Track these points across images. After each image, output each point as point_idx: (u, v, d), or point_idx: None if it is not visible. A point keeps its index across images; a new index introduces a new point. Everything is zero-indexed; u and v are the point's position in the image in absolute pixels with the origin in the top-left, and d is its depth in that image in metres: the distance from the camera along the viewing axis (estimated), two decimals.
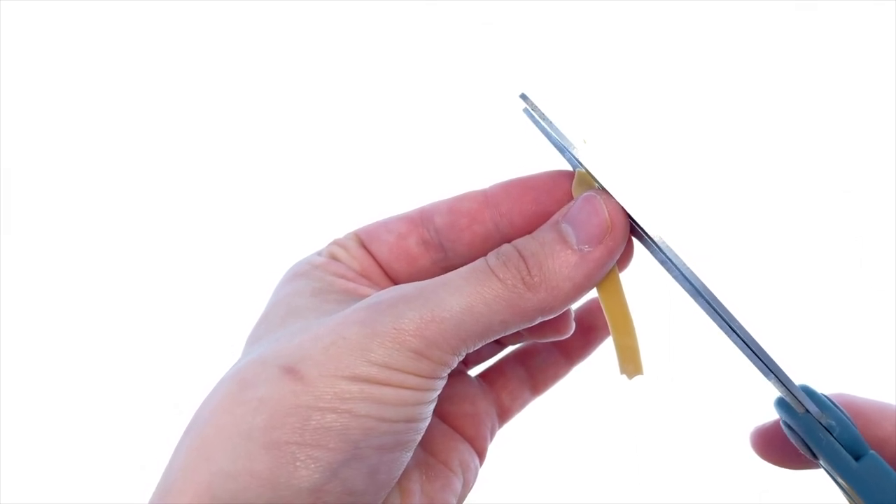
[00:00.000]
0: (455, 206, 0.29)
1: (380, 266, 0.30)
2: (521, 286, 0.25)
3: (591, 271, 0.26)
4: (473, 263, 0.26)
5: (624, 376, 0.28)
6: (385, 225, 0.30)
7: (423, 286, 0.26)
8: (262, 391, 0.24)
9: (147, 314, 0.62)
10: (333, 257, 0.30)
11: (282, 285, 0.30)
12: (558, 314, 0.26)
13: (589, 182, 0.27)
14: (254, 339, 0.28)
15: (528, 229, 0.28)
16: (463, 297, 0.25)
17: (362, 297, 0.28)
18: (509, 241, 0.28)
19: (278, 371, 0.24)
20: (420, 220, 0.29)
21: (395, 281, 0.30)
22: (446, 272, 0.27)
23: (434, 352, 0.25)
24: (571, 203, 0.27)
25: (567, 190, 0.28)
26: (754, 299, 0.60)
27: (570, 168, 0.28)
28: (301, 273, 0.29)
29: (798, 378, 0.26)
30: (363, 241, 0.30)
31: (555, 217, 0.27)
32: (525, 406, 0.33)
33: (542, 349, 0.33)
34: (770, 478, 0.56)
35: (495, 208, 0.28)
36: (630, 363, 0.28)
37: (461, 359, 0.26)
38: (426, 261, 0.29)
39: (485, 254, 0.27)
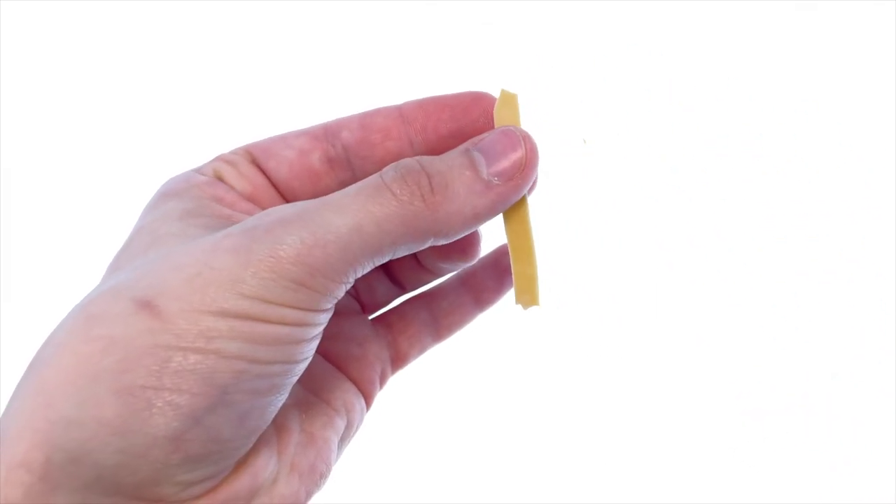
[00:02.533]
0: (367, 121, 0.27)
1: (275, 187, 0.27)
2: (420, 203, 0.23)
3: (494, 204, 0.25)
4: (365, 180, 0.24)
5: (519, 306, 0.27)
6: (284, 139, 0.27)
7: (305, 206, 0.23)
8: (113, 328, 0.21)
9: None
10: (218, 176, 0.27)
11: (149, 209, 0.26)
12: (451, 241, 0.25)
13: (513, 106, 0.26)
14: (111, 269, 0.25)
15: (444, 149, 0.26)
16: (350, 216, 0.23)
17: None
18: None
19: (133, 305, 0.21)
20: (324, 135, 0.27)
21: (282, 185, 0.27)
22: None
23: (317, 280, 0.22)
24: (489, 132, 0.26)
25: (486, 112, 0.27)
26: (752, 297, 0.60)
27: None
28: (172, 192, 0.26)
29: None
30: (256, 157, 0.27)
31: (467, 143, 0.26)
32: (424, 352, 0.31)
33: (449, 291, 0.31)
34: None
35: (410, 124, 0.27)
36: (527, 293, 0.27)
37: (349, 286, 0.24)
38: (331, 179, 0.27)
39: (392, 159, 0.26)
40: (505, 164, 0.25)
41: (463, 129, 0.27)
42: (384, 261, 0.24)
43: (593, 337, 0.60)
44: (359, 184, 0.24)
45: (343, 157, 0.27)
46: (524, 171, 0.25)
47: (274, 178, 0.27)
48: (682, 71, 0.66)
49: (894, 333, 0.59)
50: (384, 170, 0.24)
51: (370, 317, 0.31)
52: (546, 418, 0.58)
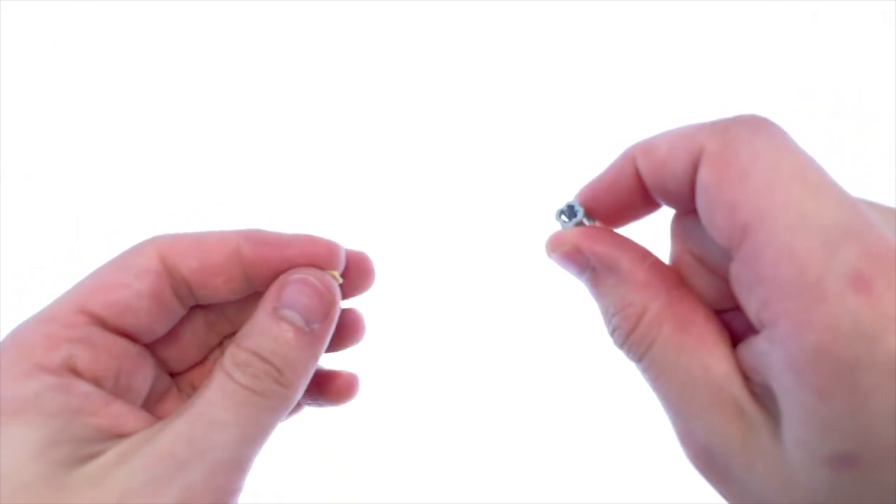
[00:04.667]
0: (205, 259, 0.27)
1: (131, 336, 0.27)
2: (278, 387, 0.25)
3: (323, 344, 0.27)
4: (220, 383, 0.25)
5: None
6: (128, 287, 0.26)
7: (193, 436, 0.24)
8: None
9: None
10: (70, 368, 0.24)
11: None
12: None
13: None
14: None
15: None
16: (232, 429, 0.24)
17: (122, 436, 0.24)
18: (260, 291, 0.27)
19: None
20: (165, 272, 0.27)
21: (144, 335, 0.27)
22: (195, 309, 0.28)
23: (228, 499, 0.24)
24: (281, 286, 0.27)
25: (319, 256, 0.28)
26: None
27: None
28: (13, 411, 0.22)
29: None
30: (106, 320, 0.26)
31: (269, 305, 0.26)
32: None
33: None
34: None
35: (246, 261, 0.27)
36: None
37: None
38: (180, 309, 0.28)
39: (235, 297, 0.28)
40: (318, 310, 0.26)
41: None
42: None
43: (593, 337, 0.59)
44: (220, 391, 0.25)
45: (187, 292, 0.28)
46: (333, 304, 0.27)
47: (133, 332, 0.27)
48: (682, 71, 0.66)
49: None
50: (229, 367, 0.25)
51: None
52: (546, 418, 0.58)
